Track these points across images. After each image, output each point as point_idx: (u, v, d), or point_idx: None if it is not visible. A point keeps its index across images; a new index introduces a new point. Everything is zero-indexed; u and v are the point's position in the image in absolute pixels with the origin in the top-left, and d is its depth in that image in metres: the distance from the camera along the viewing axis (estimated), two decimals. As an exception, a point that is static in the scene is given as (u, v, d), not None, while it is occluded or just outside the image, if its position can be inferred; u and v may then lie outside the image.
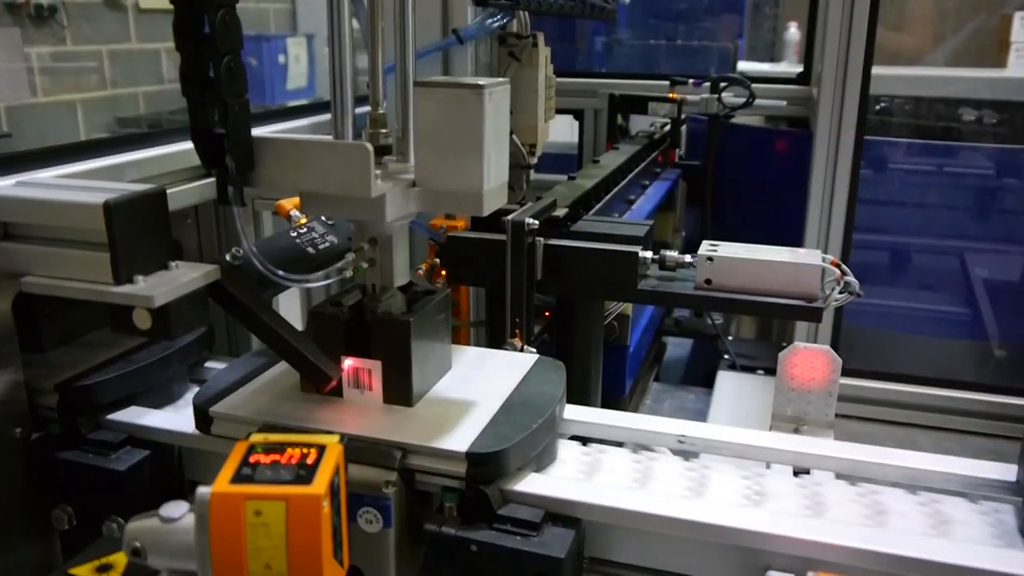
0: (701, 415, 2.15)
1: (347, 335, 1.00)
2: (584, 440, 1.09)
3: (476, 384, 1.05)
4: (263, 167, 0.91)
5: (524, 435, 0.93)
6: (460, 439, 0.92)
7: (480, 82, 0.88)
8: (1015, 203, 2.68)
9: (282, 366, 1.07)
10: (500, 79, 0.92)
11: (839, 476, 1.02)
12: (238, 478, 0.73)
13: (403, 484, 0.91)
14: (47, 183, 1.09)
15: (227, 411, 0.99)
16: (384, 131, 0.98)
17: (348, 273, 1.03)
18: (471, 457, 0.89)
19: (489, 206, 0.92)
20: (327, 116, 1.85)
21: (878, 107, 2.93)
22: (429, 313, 1.01)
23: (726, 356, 2.49)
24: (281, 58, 5.37)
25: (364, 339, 1.00)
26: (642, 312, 2.01)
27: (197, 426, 1.01)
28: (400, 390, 0.99)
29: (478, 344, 1.55)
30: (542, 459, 1.00)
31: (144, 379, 1.14)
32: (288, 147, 0.90)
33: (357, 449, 0.91)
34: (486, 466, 0.90)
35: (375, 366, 0.99)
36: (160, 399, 1.17)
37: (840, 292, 1.18)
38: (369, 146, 0.87)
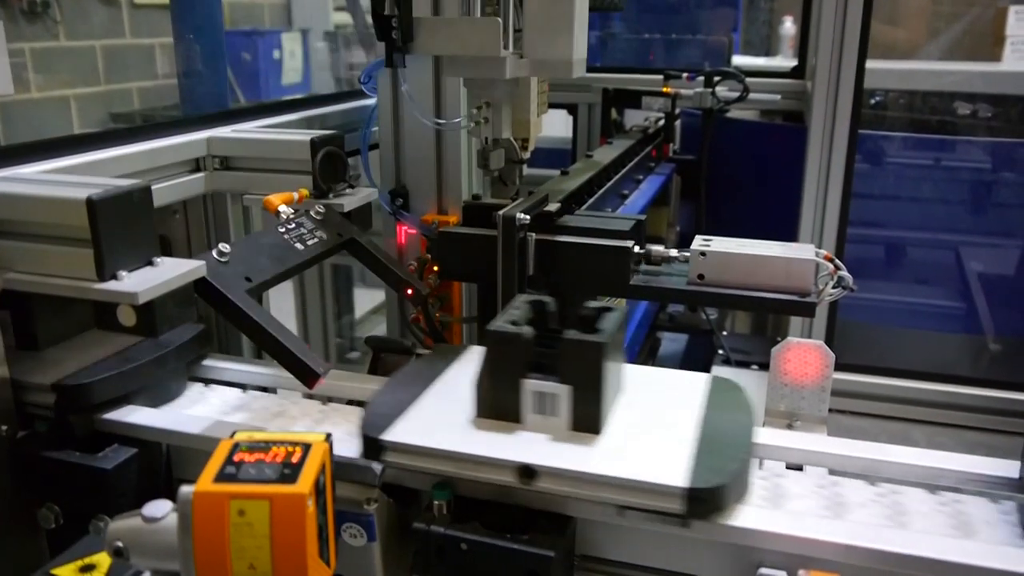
0: (695, 410, 2.13)
1: (531, 355, 0.94)
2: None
3: (651, 408, 1.00)
4: (419, 38, 1.20)
5: (737, 467, 0.88)
6: (674, 472, 0.86)
7: None
8: (1010, 197, 2.68)
9: (446, 389, 1.03)
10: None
11: (832, 472, 1.01)
12: (222, 477, 0.72)
13: (386, 497, 0.91)
14: (30, 178, 1.08)
15: (400, 439, 0.93)
16: None
17: (469, 124, 1.32)
18: (690, 492, 0.84)
19: (576, 71, 1.23)
20: (319, 110, 1.85)
21: (873, 101, 2.92)
22: (615, 334, 0.95)
23: (720, 351, 2.48)
24: (276, 53, 5.36)
25: (550, 361, 0.94)
26: (635, 307, 2.00)
27: (366, 455, 0.94)
28: (590, 416, 0.93)
29: (470, 340, 1.54)
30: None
31: (141, 377, 1.12)
32: (438, 24, 1.21)
33: (336, 466, 0.87)
34: (707, 502, 0.84)
35: (563, 391, 0.93)
36: (157, 397, 1.15)
37: (833, 287, 1.17)
38: (500, 20, 1.17)
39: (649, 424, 0.96)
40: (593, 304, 0.99)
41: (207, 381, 1.24)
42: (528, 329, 0.94)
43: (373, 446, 0.93)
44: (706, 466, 0.87)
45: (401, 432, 0.94)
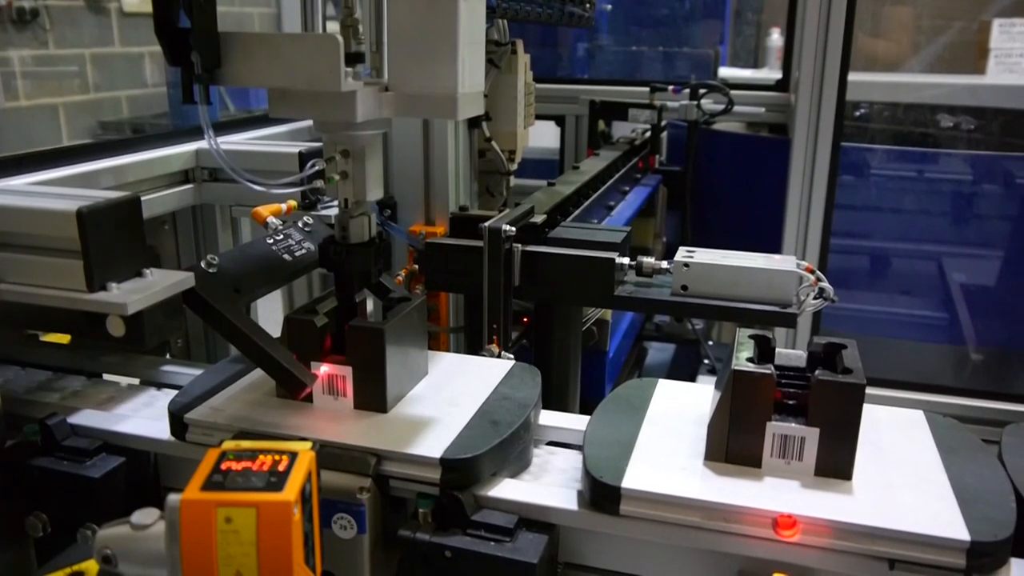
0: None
1: (322, 341, 1.00)
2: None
3: (451, 390, 1.06)
4: (230, 63, 0.88)
5: (498, 441, 0.93)
6: (434, 445, 0.92)
7: None
8: (991, 209, 2.71)
9: (258, 372, 1.07)
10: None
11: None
12: (209, 485, 0.73)
13: (377, 490, 0.92)
14: (21, 190, 1.08)
15: (202, 418, 0.99)
16: (357, 39, 0.94)
17: (319, 183, 0.98)
18: (445, 463, 0.90)
19: (464, 111, 0.90)
20: (308, 122, 1.86)
21: (857, 113, 2.95)
22: (404, 319, 1.01)
23: (706, 360, 2.50)
24: (266, 62, 5.37)
25: (339, 345, 1.00)
26: (622, 317, 2.02)
27: (172, 432, 1.01)
28: (374, 396, 0.99)
29: (457, 350, 1.55)
30: (517, 465, 1.00)
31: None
32: (255, 41, 0.87)
33: (331, 456, 0.91)
34: (460, 472, 0.90)
35: (348, 372, 0.99)
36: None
37: (814, 298, 1.19)
38: (339, 37, 0.84)
39: (437, 404, 1.00)
40: (396, 294, 1.01)
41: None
42: (321, 316, 0.98)
43: (178, 423, 0.98)
44: (467, 439, 0.92)
45: (203, 411, 0.98)
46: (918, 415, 1.04)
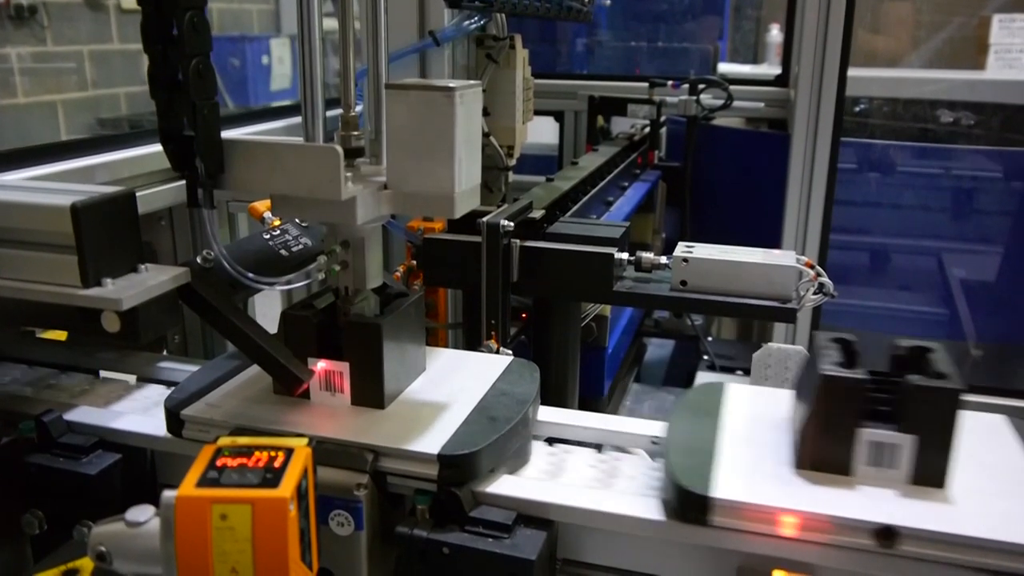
0: (681, 416, 2.14)
1: (319, 337, 0.99)
2: (551, 440, 1.09)
3: (449, 386, 1.05)
4: (233, 169, 0.91)
5: (496, 437, 0.92)
6: (431, 441, 0.92)
7: (451, 84, 0.88)
8: (991, 204, 2.71)
9: (255, 369, 1.06)
10: (472, 81, 0.92)
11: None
12: (204, 482, 0.73)
13: (375, 487, 0.91)
14: (14, 185, 1.08)
15: (198, 414, 0.98)
16: (356, 133, 0.98)
17: (320, 276, 1.01)
18: (443, 459, 0.89)
19: (461, 209, 0.92)
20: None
21: (857, 108, 2.94)
22: (402, 315, 1.01)
23: (705, 357, 2.50)
24: (264, 59, 5.37)
25: (336, 341, 0.99)
26: (621, 313, 2.01)
27: (169, 429, 1.00)
28: (371, 392, 0.99)
29: (456, 346, 1.55)
30: (515, 461, 1.00)
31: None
32: (258, 149, 0.90)
33: (328, 452, 0.91)
34: (458, 468, 0.90)
35: (345, 368, 0.98)
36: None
37: (814, 293, 1.19)
38: (339, 149, 0.87)
39: (435, 400, 1.00)
40: (393, 290, 1.01)
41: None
42: (317, 312, 0.98)
43: (174, 420, 0.98)
44: (464, 436, 0.92)
45: (200, 408, 0.98)
46: (1000, 419, 1.01)
